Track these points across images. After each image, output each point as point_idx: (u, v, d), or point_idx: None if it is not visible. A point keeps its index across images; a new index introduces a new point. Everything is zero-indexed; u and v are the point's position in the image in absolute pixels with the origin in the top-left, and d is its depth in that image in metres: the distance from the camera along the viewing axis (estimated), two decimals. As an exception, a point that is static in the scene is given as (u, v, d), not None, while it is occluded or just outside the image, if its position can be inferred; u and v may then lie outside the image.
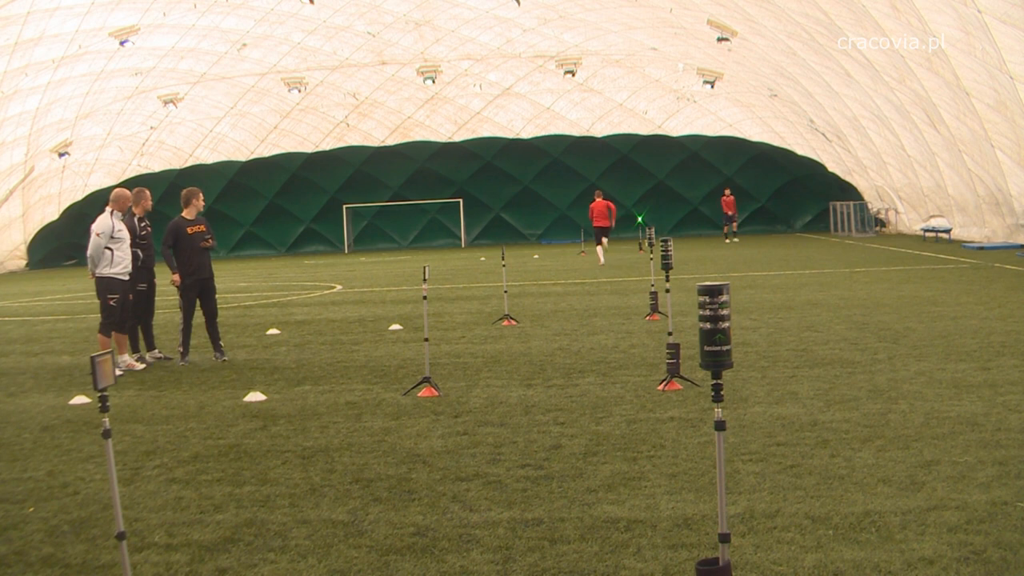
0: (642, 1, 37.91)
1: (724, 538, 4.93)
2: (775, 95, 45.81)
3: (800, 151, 51.83)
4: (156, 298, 15.87)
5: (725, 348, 5.21)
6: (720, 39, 37.43)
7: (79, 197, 52.73)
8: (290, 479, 7.97)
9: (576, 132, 54.66)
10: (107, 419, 5.88)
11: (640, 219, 48.61)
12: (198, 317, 15.15)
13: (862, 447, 8.03)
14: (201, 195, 15.50)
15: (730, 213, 47.14)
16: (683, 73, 47.54)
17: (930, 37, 26.64)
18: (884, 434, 8.40)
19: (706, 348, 5.28)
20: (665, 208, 51.98)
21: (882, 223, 47.92)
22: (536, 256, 40.90)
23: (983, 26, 23.75)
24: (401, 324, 18.04)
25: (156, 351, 15.48)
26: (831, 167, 50.26)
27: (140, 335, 15.50)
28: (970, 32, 24.88)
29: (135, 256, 15.07)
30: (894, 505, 6.58)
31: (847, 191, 49.51)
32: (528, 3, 38.95)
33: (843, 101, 39.17)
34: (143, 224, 15.40)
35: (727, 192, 47.67)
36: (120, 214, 14.53)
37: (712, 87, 45.87)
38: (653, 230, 20.62)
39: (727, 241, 45.69)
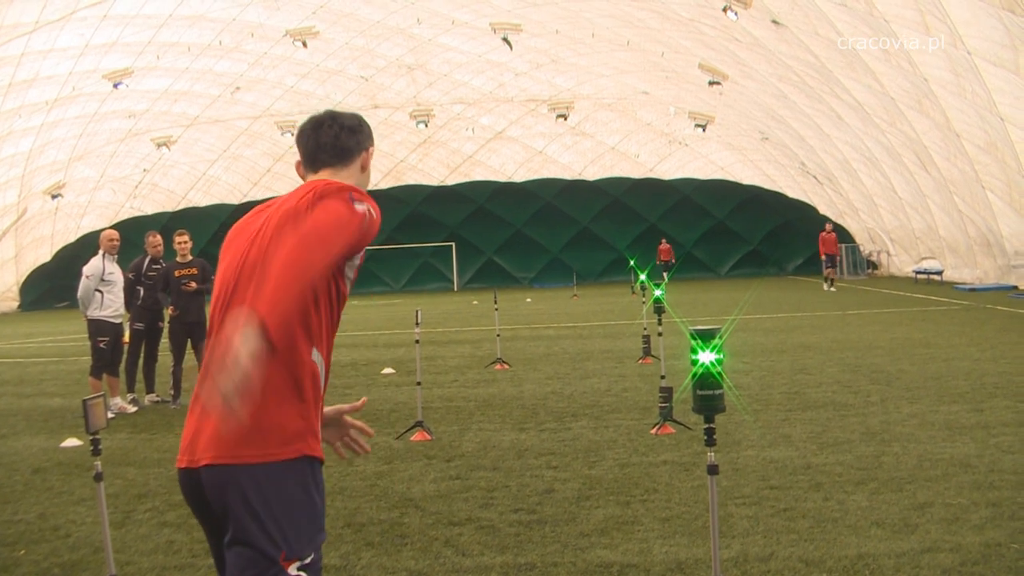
0: (633, 45, 38.20)
1: (718, 582, 4.93)
2: (766, 138, 46.06)
3: (791, 194, 52.09)
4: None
5: (718, 392, 5.22)
6: (711, 83, 37.73)
7: (72, 239, 52.75)
8: (282, 523, 7.92)
9: (568, 176, 54.89)
10: (99, 462, 5.87)
11: (633, 262, 48.76)
12: (190, 360, 15.13)
13: (855, 490, 8.02)
14: (184, 238, 15.43)
15: (832, 254, 39.04)
16: (675, 117, 47.85)
17: (920, 79, 26.85)
18: (877, 476, 8.40)
19: (699, 392, 5.29)
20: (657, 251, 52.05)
21: (874, 265, 48.07)
22: (528, 300, 40.91)
23: (973, 68, 23.95)
24: (394, 368, 18.02)
25: (154, 395, 15.45)
26: (823, 209, 50.48)
27: (139, 376, 15.52)
28: (960, 74, 25.09)
29: (135, 294, 15.12)
30: (888, 548, 6.58)
31: (839, 233, 49.69)
32: (520, 47, 39.22)
33: (834, 144, 39.42)
34: (155, 267, 15.45)
35: (828, 228, 39.88)
36: (112, 256, 14.56)
37: (704, 130, 46.20)
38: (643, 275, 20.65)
39: (826, 288, 37.42)
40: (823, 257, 38.92)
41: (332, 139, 3.75)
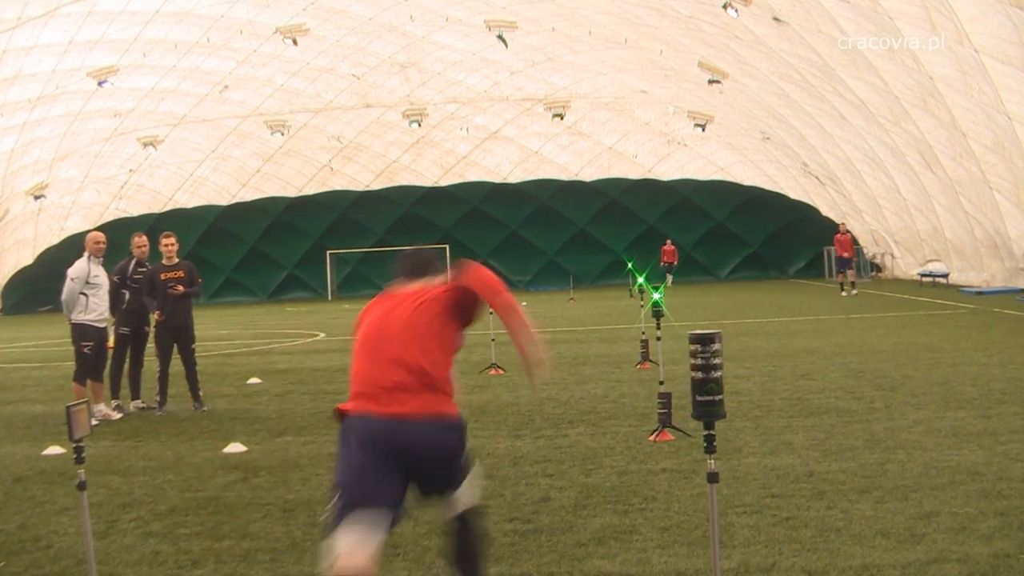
0: (631, 43, 38.20)
1: (718, 593, 4.91)
2: (767, 138, 46.04)
3: (793, 195, 52.07)
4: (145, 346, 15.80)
5: (718, 398, 5.21)
6: (711, 81, 37.70)
7: (55, 241, 52.63)
8: (271, 533, 7.91)
9: (564, 176, 54.80)
10: (82, 470, 5.84)
11: (631, 265, 48.69)
12: (176, 365, 15.09)
13: (859, 498, 8.01)
14: (171, 240, 15.38)
15: (846, 255, 37.75)
16: (673, 116, 47.81)
17: (925, 77, 26.84)
18: (882, 485, 8.39)
19: (698, 398, 5.28)
20: (656, 253, 51.93)
21: (878, 268, 48.09)
22: (524, 303, 40.78)
23: (980, 65, 23.95)
24: (386, 372, 17.94)
25: (139, 401, 15.39)
26: (825, 211, 50.46)
27: (124, 381, 15.45)
28: (966, 72, 25.08)
29: (120, 297, 15.06)
30: (893, 558, 6.56)
31: (834, 237, 49.68)
32: (515, 45, 39.20)
33: (837, 143, 39.42)
34: (140, 269, 15.39)
35: (843, 228, 38.79)
36: (98, 259, 14.50)
37: (703, 130, 46.15)
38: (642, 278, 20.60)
39: (843, 294, 36.08)
40: (841, 258, 37.85)
41: (426, 262, 6.04)
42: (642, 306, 18.94)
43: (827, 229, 49.80)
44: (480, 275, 5.57)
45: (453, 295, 5.58)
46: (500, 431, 11.80)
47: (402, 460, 5.25)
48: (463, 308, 5.62)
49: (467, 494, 5.54)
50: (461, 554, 5.59)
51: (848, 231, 38.79)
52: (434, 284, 5.76)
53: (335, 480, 5.32)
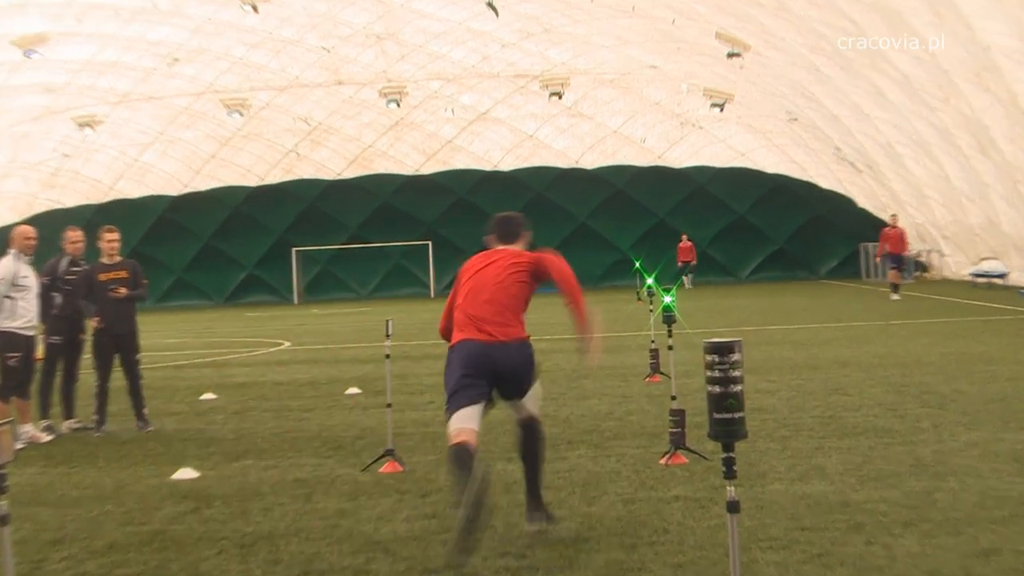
0: (639, 11, 38.20)
1: (742, 642, 4.86)
2: (795, 119, 46.12)
3: (825, 184, 52.19)
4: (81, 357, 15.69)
5: (738, 415, 5.16)
6: (730, 55, 37.72)
7: (-23, 237, 52.57)
8: (226, 572, 7.86)
9: (563, 163, 54.94)
10: (5, 502, 5.77)
11: (638, 264, 48.67)
12: (118, 379, 15.00)
13: (904, 532, 7.97)
14: (113, 235, 15.26)
15: (899, 253, 37.30)
16: (687, 95, 47.87)
17: (980, 47, 26.78)
18: (930, 517, 8.35)
19: (716, 415, 5.23)
20: (666, 249, 52.00)
21: (923, 267, 48.17)
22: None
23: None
24: (360, 387, 17.96)
25: (74, 420, 15.29)
26: (861, 202, 50.59)
27: (57, 398, 15.36)
28: (1028, 40, 25.05)
29: (51, 301, 14.94)
30: (943, 601, 6.52)
31: (881, 230, 49.75)
32: (507, 14, 39.20)
33: (875, 125, 39.47)
34: (74, 268, 15.25)
35: (893, 220, 38.36)
36: (27, 257, 14.39)
37: (721, 110, 46.18)
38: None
39: (895, 297, 35.20)
40: (879, 258, 37.44)
41: (519, 226, 9.05)
42: (651, 311, 18.90)
43: (863, 223, 49.97)
44: (560, 266, 8.72)
45: (534, 269, 8.71)
46: (490, 453, 11.74)
47: (492, 370, 8.30)
48: (538, 278, 8.80)
49: (531, 402, 8.64)
50: (526, 451, 8.69)
51: (897, 224, 38.04)
52: (521, 253, 8.84)
53: (446, 385, 8.28)
